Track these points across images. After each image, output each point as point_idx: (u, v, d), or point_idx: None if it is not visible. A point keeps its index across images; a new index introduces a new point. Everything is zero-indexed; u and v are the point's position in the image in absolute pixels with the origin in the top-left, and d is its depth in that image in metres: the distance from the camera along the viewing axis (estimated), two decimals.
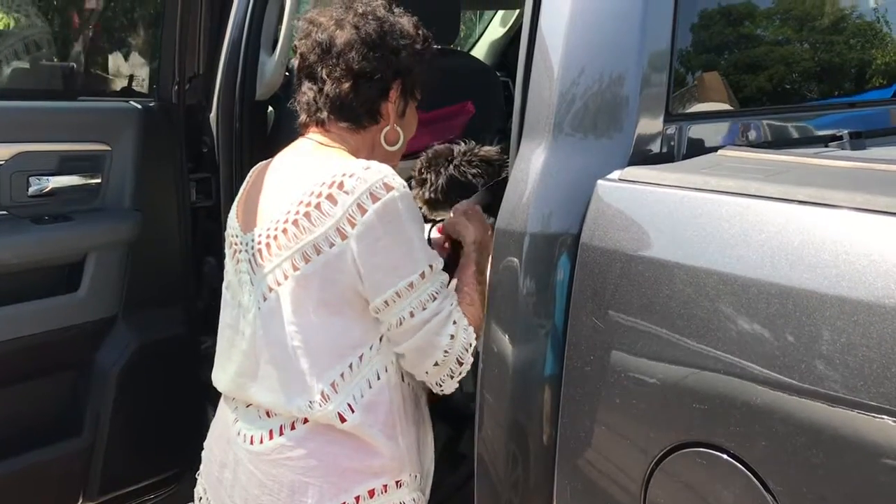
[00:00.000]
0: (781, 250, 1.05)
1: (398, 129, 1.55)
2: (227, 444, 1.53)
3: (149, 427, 2.24)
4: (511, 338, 1.35)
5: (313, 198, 1.38)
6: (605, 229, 1.25)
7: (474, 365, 1.49)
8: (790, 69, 1.76)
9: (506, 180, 1.97)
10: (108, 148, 2.10)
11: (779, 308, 1.03)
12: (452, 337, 1.42)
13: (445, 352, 1.42)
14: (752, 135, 1.52)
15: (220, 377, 1.56)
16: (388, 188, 1.36)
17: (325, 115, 1.50)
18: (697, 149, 1.41)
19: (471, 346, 1.45)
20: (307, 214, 1.37)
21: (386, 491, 1.44)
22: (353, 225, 1.35)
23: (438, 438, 2.11)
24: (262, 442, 1.45)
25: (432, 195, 1.89)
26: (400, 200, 1.38)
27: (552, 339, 1.32)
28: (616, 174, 1.29)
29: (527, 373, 1.35)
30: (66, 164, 2.02)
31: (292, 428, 1.43)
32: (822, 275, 1.01)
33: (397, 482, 1.46)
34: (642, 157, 1.34)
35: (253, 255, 1.46)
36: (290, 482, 1.42)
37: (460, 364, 1.45)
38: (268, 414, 1.46)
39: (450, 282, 1.50)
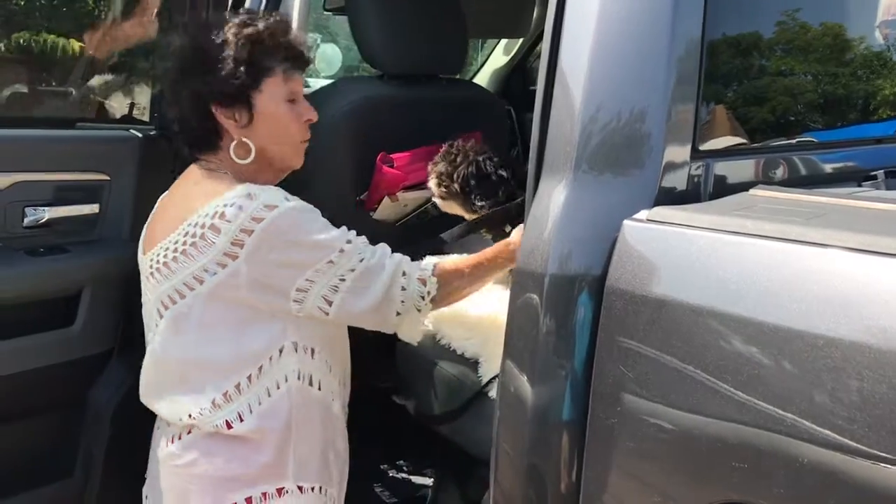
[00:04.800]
0: (829, 300, 0.98)
1: (246, 140, 1.54)
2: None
3: (145, 467, 2.14)
4: (530, 379, 1.30)
5: (197, 228, 1.45)
6: (633, 272, 1.18)
7: (488, 409, 1.42)
8: (820, 100, 1.71)
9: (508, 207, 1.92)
10: (107, 177, 2.04)
11: (826, 361, 0.97)
12: (404, 289, 1.49)
13: (402, 301, 1.49)
14: (782, 172, 1.47)
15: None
16: (271, 208, 1.42)
17: (185, 150, 1.61)
18: (724, 187, 1.35)
19: (428, 294, 1.52)
20: (194, 244, 1.45)
21: (266, 499, 1.51)
22: (241, 246, 1.42)
23: (448, 481, 2.03)
24: (164, 448, 1.58)
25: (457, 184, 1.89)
26: (285, 215, 1.42)
27: (572, 381, 1.26)
28: (643, 214, 1.23)
29: (545, 416, 1.29)
30: (63, 194, 1.95)
31: (179, 438, 1.54)
32: (874, 327, 0.94)
33: (279, 490, 1.52)
34: (668, 195, 1.28)
35: (148, 276, 1.55)
36: (179, 489, 1.55)
37: (419, 311, 1.53)
38: (168, 424, 1.58)
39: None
